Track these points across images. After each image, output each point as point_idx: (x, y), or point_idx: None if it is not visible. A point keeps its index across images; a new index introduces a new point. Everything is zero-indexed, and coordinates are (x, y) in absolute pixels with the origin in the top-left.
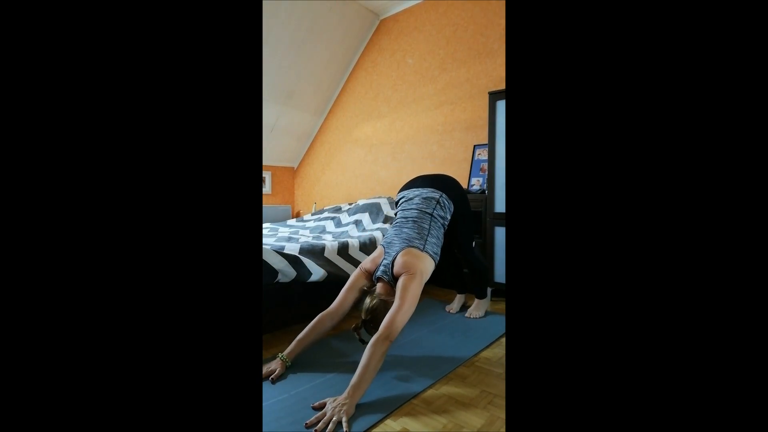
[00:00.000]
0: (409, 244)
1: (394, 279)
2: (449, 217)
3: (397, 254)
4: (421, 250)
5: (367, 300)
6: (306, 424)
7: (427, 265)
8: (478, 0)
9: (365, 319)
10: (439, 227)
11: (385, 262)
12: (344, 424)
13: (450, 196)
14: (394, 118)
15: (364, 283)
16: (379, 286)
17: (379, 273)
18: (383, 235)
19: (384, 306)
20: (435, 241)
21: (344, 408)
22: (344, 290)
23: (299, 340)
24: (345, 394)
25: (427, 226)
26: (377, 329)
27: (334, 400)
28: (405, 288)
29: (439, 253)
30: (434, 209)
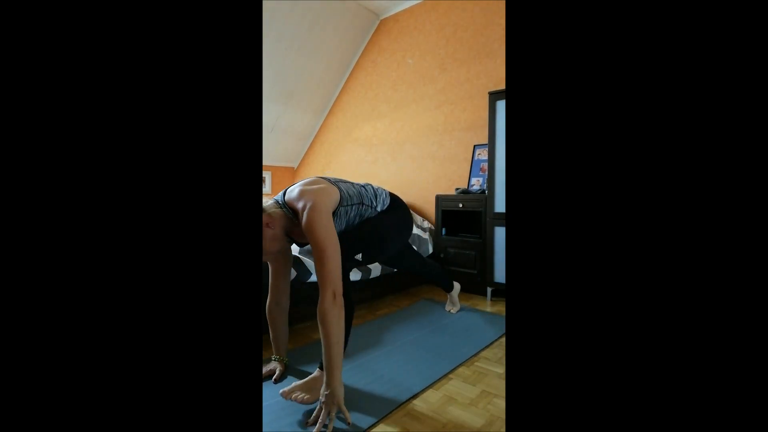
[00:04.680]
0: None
1: (292, 210)
2: (370, 216)
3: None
4: (331, 183)
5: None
6: (306, 423)
7: (332, 195)
8: (478, 0)
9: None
10: (357, 208)
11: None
12: (345, 414)
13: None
14: (394, 118)
15: (279, 263)
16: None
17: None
18: None
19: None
20: (350, 189)
21: (333, 399)
22: (271, 277)
23: (275, 339)
24: (324, 384)
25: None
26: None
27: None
28: (311, 228)
29: (351, 194)
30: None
